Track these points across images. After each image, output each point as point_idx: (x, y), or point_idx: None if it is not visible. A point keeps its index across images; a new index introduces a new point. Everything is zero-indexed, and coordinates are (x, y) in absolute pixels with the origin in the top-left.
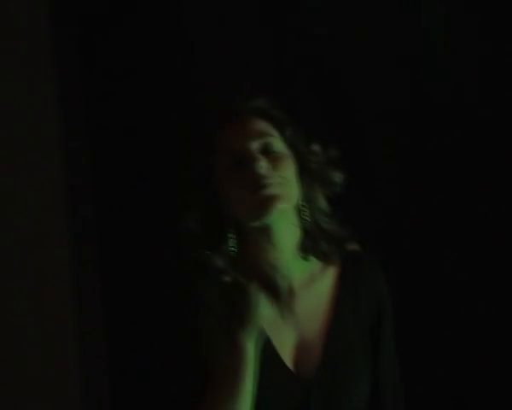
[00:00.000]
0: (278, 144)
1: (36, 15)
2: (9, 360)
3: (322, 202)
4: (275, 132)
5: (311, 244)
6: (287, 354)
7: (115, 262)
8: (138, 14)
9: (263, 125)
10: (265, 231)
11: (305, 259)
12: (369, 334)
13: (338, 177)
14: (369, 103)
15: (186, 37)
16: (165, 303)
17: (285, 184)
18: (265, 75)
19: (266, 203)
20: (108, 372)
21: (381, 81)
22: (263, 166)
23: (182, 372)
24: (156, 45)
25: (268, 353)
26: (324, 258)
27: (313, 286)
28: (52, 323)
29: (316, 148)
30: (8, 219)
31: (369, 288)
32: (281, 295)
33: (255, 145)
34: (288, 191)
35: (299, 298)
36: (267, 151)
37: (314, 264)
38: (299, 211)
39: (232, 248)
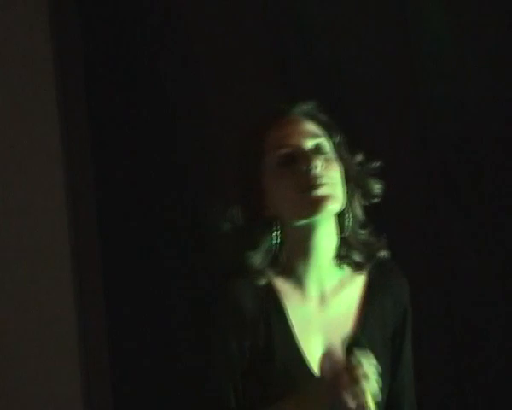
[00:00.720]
0: (328, 147)
1: (36, 15)
2: (9, 361)
3: (360, 212)
4: (324, 135)
5: (345, 252)
6: (314, 360)
7: (116, 262)
8: (139, 11)
9: (314, 127)
10: (308, 232)
11: (338, 266)
12: (391, 341)
13: (378, 188)
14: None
15: (187, 34)
16: (167, 303)
17: (335, 185)
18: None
19: (318, 202)
20: (109, 373)
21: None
22: (318, 165)
23: (184, 373)
24: (158, 44)
25: (295, 357)
26: (356, 267)
27: (343, 293)
28: (52, 323)
29: (359, 157)
30: (7, 219)
31: (394, 296)
32: (312, 300)
33: (309, 144)
34: (337, 193)
35: (329, 305)
36: (319, 152)
37: (345, 271)
38: (340, 217)
39: (276, 244)
